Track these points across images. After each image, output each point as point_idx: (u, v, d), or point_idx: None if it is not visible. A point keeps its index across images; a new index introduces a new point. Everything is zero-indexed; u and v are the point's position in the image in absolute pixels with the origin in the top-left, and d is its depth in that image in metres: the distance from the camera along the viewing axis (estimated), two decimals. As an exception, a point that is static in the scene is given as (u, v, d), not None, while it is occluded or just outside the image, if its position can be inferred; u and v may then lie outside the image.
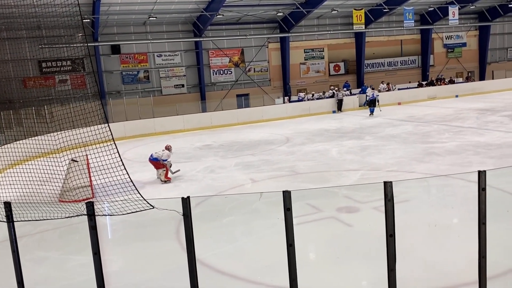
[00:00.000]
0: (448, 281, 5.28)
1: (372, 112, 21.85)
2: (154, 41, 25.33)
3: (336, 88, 25.85)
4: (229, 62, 27.72)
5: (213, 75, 27.50)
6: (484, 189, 3.50)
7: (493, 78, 33.08)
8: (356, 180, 10.37)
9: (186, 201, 3.30)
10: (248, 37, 27.35)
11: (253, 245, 6.88)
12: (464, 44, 34.36)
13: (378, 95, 22.73)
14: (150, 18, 23.66)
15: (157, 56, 26.07)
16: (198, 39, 26.09)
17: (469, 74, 33.98)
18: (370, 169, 11.19)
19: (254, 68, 28.45)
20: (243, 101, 26.53)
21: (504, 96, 25.78)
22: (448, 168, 10.56)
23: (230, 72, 27.86)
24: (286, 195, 3.37)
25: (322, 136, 16.95)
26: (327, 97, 25.66)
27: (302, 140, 16.48)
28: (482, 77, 33.94)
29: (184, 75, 26.76)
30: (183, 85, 26.80)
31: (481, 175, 3.46)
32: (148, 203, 4.63)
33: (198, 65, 26.62)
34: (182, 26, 26.22)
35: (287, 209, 3.36)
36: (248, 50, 28.09)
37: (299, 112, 24.27)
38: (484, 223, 3.57)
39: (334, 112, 24.82)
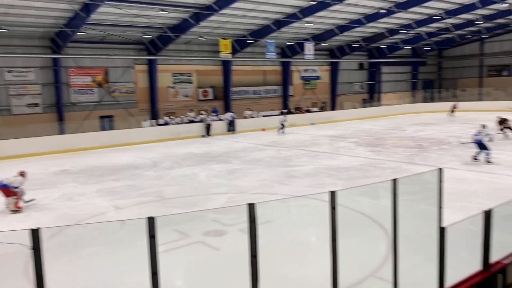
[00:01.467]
0: (306, 296, 5.62)
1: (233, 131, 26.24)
2: (3, 55, 22.64)
3: (205, 113, 26.35)
4: (92, 82, 26.16)
5: (74, 94, 25.60)
6: (334, 208, 3.86)
7: (342, 108, 37.23)
8: (224, 203, 10.56)
9: (35, 233, 2.95)
10: (113, 57, 26.25)
11: (116, 278, 6.45)
12: (318, 77, 38.09)
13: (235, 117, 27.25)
14: (1, 30, 21.19)
15: (7, 71, 23.35)
16: (56, 56, 24.14)
17: (323, 104, 37.66)
18: (237, 192, 11.51)
19: (119, 89, 27.33)
20: (107, 123, 25.15)
21: (351, 125, 29.13)
22: (306, 189, 11.44)
23: (92, 92, 26.27)
24: (150, 222, 3.25)
25: (191, 160, 16.94)
26: (197, 121, 26.01)
27: (170, 164, 16.23)
28: (333, 107, 37.91)
29: (40, 94, 24.37)
30: (37, 104, 24.36)
31: (332, 195, 3.82)
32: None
33: (57, 83, 24.53)
34: (38, 41, 24.00)
35: (151, 236, 3.24)
36: (113, 70, 26.93)
37: (167, 136, 23.94)
38: (335, 239, 3.91)
39: (203, 136, 25.10)
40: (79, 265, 6.93)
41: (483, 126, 14.14)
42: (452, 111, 33.01)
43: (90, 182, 13.36)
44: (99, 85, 26.40)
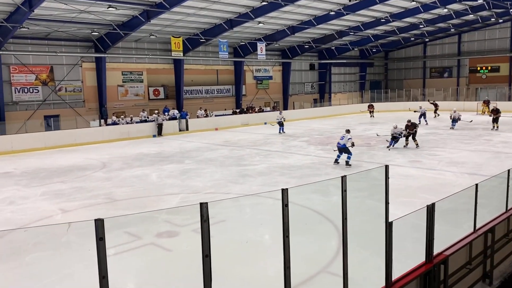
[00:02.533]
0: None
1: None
2: None
3: (157, 112, 25.88)
4: (35, 80, 24.94)
5: (16, 93, 24.29)
6: (287, 205, 3.91)
7: (294, 108, 37.84)
8: (176, 203, 10.41)
9: (-27, 239, 2.78)
10: (58, 54, 25.16)
11: (63, 282, 6.19)
12: (270, 77, 38.49)
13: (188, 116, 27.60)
14: None
15: None
16: (-4, 52, 22.80)
17: (275, 104, 38.08)
18: (190, 192, 11.39)
19: (65, 88, 26.23)
20: (53, 123, 24.06)
21: (302, 124, 29.65)
22: (259, 188, 11.52)
23: (37, 91, 25.05)
24: (99, 224, 3.15)
25: (142, 161, 16.57)
26: (150, 120, 25.48)
27: (120, 165, 15.79)
28: (285, 107, 38.45)
29: (-23, 92, 22.91)
30: (-25, 103, 22.89)
31: (284, 192, 3.87)
32: None
33: (-4, 81, 23.17)
34: (-25, 35, 22.56)
35: (100, 239, 3.14)
36: (59, 68, 25.82)
37: (117, 136, 23.27)
38: (288, 236, 3.97)
39: (154, 136, 24.62)
40: (23, 271, 6.59)
41: (347, 131, 14.52)
42: (370, 112, 34.30)
43: (34, 185, 12.73)
44: (44, 83, 25.23)
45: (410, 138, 17.90)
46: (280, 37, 32.82)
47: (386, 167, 4.75)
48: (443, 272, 5.63)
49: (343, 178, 4.38)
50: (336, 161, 14.53)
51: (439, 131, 23.01)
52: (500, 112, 23.19)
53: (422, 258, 5.52)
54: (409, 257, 6.03)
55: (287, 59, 38.59)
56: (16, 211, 10.07)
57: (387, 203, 4.78)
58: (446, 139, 20.01)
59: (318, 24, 30.46)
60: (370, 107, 34.87)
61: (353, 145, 14.17)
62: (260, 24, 28.45)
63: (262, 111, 33.55)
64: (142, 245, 7.68)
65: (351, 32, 34.55)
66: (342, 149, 14.25)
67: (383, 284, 4.94)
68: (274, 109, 35.44)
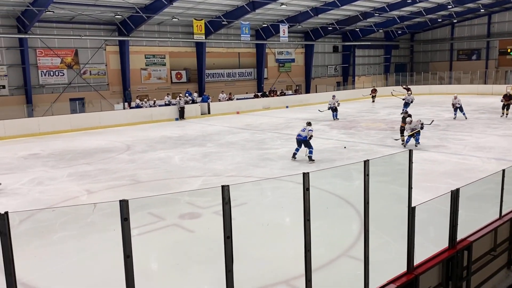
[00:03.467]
0: (279, 276, 5.72)
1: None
2: (-35, 34, 21.64)
3: (181, 95, 26.05)
4: (61, 63, 25.36)
5: (42, 76, 24.80)
6: (308, 189, 3.90)
7: (316, 91, 37.44)
8: (198, 186, 10.54)
9: (3, 217, 2.88)
10: (83, 37, 25.48)
11: (88, 261, 6.39)
12: (293, 60, 38.09)
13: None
14: (-40, 7, 20.21)
15: (-30, 51, 22.38)
16: (23, 36, 23.21)
17: (297, 87, 37.77)
18: (211, 175, 11.50)
19: (90, 71, 26.61)
20: (78, 105, 24.51)
21: (325, 108, 29.30)
22: (280, 171, 11.53)
23: (62, 74, 25.51)
24: (123, 205, 3.21)
25: (165, 144, 16.77)
26: (173, 104, 25.60)
27: (143, 147, 16.03)
28: (308, 90, 38.09)
29: (6, 75, 23.47)
30: (3, 87, 23.48)
31: (305, 176, 3.85)
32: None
33: (23, 64, 23.65)
34: (3, 20, 23.01)
35: (124, 219, 3.20)
36: (83, 51, 26.17)
37: (140, 119, 23.57)
38: (309, 220, 3.97)
39: (176, 119, 24.83)
40: (51, 250, 6.82)
41: (309, 124, 13.19)
42: (372, 96, 32.47)
43: (61, 166, 13.07)
44: (69, 66, 25.65)
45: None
46: (303, 19, 32.32)
47: (410, 151, 4.67)
48: (467, 258, 5.56)
49: (366, 162, 4.33)
50: (294, 156, 13.10)
51: (466, 115, 22.42)
52: None
53: (445, 244, 5.45)
54: (431, 242, 5.97)
55: (310, 41, 38.05)
56: (43, 191, 10.37)
57: (410, 188, 4.71)
58: (473, 123, 19.51)
59: (342, 5, 29.84)
60: (373, 91, 32.85)
61: (310, 138, 12.87)
62: (283, 6, 28.05)
63: (284, 94, 33.34)
64: (165, 226, 7.83)
65: (376, 13, 33.73)
66: (303, 141, 12.89)
67: (405, 269, 4.91)
68: (296, 92, 35.15)
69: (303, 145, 12.97)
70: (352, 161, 12.36)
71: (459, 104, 21.06)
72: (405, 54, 48.12)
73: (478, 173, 10.29)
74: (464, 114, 21.09)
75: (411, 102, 23.50)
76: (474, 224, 6.16)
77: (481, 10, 38.64)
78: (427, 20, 40.34)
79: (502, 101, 21.61)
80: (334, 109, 22.83)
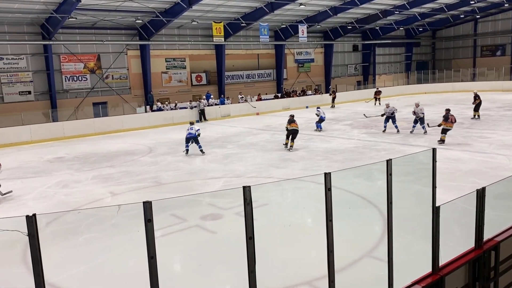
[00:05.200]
0: (301, 277, 5.70)
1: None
2: (-8, 42, 22.31)
3: (204, 97, 26.32)
4: (84, 68, 25.90)
5: (66, 81, 25.37)
6: (330, 189, 3.88)
7: (336, 91, 37.12)
8: (219, 187, 10.60)
9: (31, 219, 2.96)
10: (105, 42, 25.96)
11: (113, 262, 6.50)
12: (312, 60, 37.91)
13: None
14: (-12, 17, 20.84)
15: (-3, 59, 23.06)
16: (47, 43, 23.80)
17: (317, 87, 37.56)
18: (232, 176, 11.54)
19: (112, 75, 27.09)
20: (101, 109, 24.96)
21: (345, 107, 29.11)
22: (301, 172, 11.49)
23: (85, 79, 26.04)
24: (147, 206, 3.26)
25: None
26: (194, 106, 25.81)
27: (165, 150, 16.21)
28: (327, 90, 37.82)
29: (31, 81, 24.12)
30: (29, 92, 24.13)
31: (327, 176, 3.83)
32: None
33: (48, 70, 24.26)
34: (28, 27, 23.65)
35: (148, 221, 3.25)
36: (105, 56, 26.65)
37: (161, 122, 23.86)
38: (331, 220, 3.94)
39: (198, 121, 25.00)
40: (77, 251, 6.97)
41: (191, 123, 15.40)
42: (376, 99, 29.54)
43: (85, 169, 13.33)
44: (92, 71, 26.15)
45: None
46: (322, 19, 32.14)
47: (434, 150, 4.59)
48: (494, 258, 5.42)
49: (388, 162, 4.28)
50: (187, 151, 14.92)
51: (490, 112, 21.90)
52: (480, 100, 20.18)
53: (471, 244, 5.34)
54: (457, 242, 5.85)
55: (329, 41, 37.80)
56: (69, 194, 10.60)
57: (434, 187, 4.63)
58: (498, 121, 19.04)
59: (362, 4, 29.55)
60: (377, 93, 29.77)
61: (199, 135, 14.98)
62: (302, 6, 27.95)
63: (305, 93, 33.17)
64: (187, 227, 7.90)
65: (396, 11, 33.28)
66: (193, 138, 14.86)
67: (430, 269, 4.82)
68: (315, 92, 34.96)
69: (193, 142, 14.96)
70: (374, 160, 12.22)
71: (422, 113, 16.61)
72: (426, 52, 47.32)
73: (504, 172, 10.03)
74: (424, 127, 16.58)
75: (392, 114, 17.60)
76: (502, 223, 6.00)
77: (505, 5, 37.68)
78: (449, 16, 39.58)
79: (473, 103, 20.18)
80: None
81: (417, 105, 16.79)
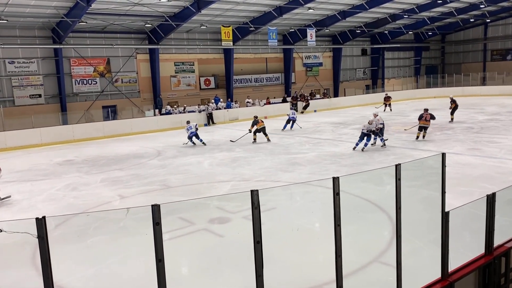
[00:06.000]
0: (309, 281, 5.67)
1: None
2: (4, 46, 22.57)
3: (213, 101, 26.51)
4: (93, 72, 26.13)
5: (76, 85, 25.60)
6: (338, 194, 3.86)
7: (345, 95, 37.07)
8: (227, 191, 10.60)
9: (41, 222, 2.98)
10: (114, 46, 26.16)
11: (121, 265, 6.53)
12: (320, 64, 37.87)
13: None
14: (0, 21, 21.10)
15: (9, 62, 23.34)
16: (57, 46, 24.06)
17: (325, 91, 37.49)
18: (240, 180, 11.55)
19: (121, 79, 27.28)
20: (110, 113, 25.16)
21: (354, 111, 29.02)
22: (309, 176, 11.46)
23: (95, 82, 26.26)
24: (155, 209, 3.27)
25: (194, 149, 16.98)
26: (203, 110, 25.89)
27: (174, 153, 16.27)
28: (336, 94, 37.75)
29: (42, 85, 24.38)
30: (40, 95, 24.39)
31: (335, 181, 3.82)
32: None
33: (58, 73, 24.50)
34: (39, 31, 23.93)
35: (156, 224, 3.26)
36: (115, 60, 26.86)
37: (170, 125, 23.96)
38: (339, 225, 3.93)
39: (206, 125, 25.10)
40: (85, 254, 7.01)
41: (188, 122, 17.81)
42: (386, 105, 28.34)
43: (94, 172, 13.42)
44: (101, 75, 26.37)
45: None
46: (331, 23, 32.12)
47: (443, 155, 4.56)
48: (504, 265, 5.36)
49: (397, 167, 4.25)
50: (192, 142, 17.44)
51: (500, 117, 21.70)
52: (457, 104, 21.16)
53: (481, 250, 5.28)
54: (467, 248, 5.79)
55: (338, 45, 37.75)
56: (78, 196, 10.68)
57: (443, 192, 4.59)
58: (508, 126, 18.86)
59: (371, 8, 29.49)
60: (387, 99, 28.57)
61: (197, 129, 17.49)
62: (310, 10, 27.98)
63: (314, 97, 33.10)
64: (195, 230, 7.91)
65: (405, 15, 33.16)
66: (194, 135, 17.49)
67: (439, 275, 4.78)
68: (324, 96, 34.91)
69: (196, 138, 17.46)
70: (383, 165, 12.15)
71: (381, 124, 15.23)
72: (436, 56, 47.04)
73: (515, 177, 9.92)
74: (382, 140, 15.24)
75: (370, 131, 15.00)
76: (512, 229, 5.93)
77: (516, 9, 37.40)
78: (458, 20, 39.33)
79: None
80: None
81: (375, 115, 15.41)
